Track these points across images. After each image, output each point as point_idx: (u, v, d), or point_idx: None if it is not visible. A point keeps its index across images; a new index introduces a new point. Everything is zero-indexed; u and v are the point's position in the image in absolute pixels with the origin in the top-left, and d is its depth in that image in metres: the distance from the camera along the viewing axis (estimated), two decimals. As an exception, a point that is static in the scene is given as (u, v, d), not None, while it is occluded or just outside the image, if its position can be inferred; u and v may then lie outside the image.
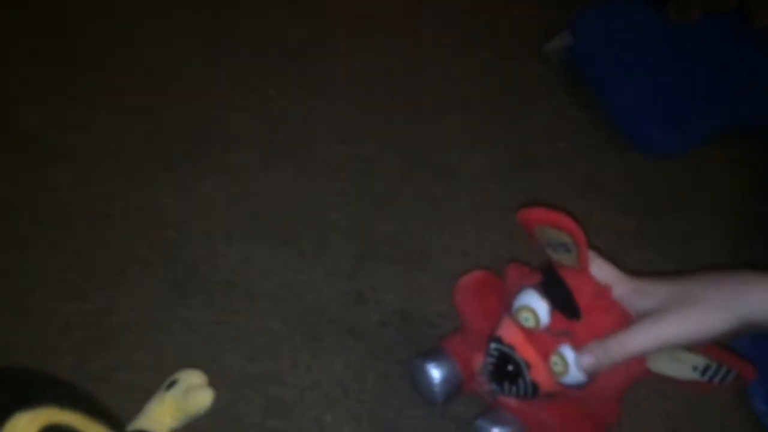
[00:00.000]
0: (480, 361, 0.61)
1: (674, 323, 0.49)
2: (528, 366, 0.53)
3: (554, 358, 0.52)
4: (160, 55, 0.95)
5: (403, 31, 1.08)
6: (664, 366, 0.53)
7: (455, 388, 0.63)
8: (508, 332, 0.54)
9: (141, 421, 0.56)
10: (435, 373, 0.62)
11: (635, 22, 1.03)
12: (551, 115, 1.00)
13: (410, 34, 1.08)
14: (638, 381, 0.54)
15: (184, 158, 0.83)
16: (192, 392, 0.57)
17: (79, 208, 0.75)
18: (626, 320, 0.52)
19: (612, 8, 1.05)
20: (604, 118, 0.98)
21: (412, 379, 0.65)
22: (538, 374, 0.53)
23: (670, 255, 0.83)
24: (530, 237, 0.55)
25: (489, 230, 0.82)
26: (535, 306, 0.53)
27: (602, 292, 0.53)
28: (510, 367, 0.53)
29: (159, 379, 0.60)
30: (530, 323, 0.53)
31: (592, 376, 0.52)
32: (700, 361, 0.51)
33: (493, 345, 0.55)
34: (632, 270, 0.55)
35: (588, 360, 0.51)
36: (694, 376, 0.52)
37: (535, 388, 0.53)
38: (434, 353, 0.63)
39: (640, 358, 0.52)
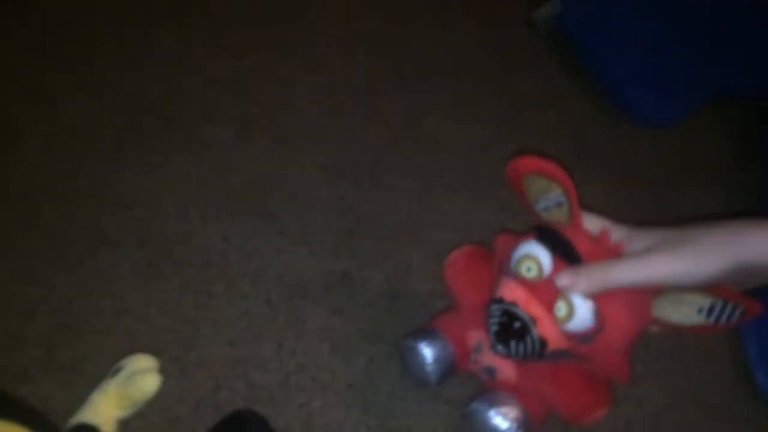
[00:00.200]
0: (474, 339, 0.58)
1: (664, 260, 0.48)
2: (534, 321, 0.50)
3: (559, 304, 0.50)
4: (128, 26, 0.90)
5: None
6: (668, 310, 0.51)
7: (449, 368, 0.60)
8: (509, 290, 0.52)
9: (83, 414, 0.52)
10: (427, 353, 0.59)
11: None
12: (540, 85, 0.97)
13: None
14: (645, 330, 0.52)
15: (154, 133, 0.78)
16: (136, 377, 0.53)
17: (43, 186, 0.70)
18: None
19: (601, -26, 1.01)
20: (594, 87, 0.96)
21: (403, 360, 0.61)
22: (544, 328, 0.50)
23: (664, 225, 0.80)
24: (519, 194, 0.54)
25: (480, 203, 0.79)
26: (537, 253, 0.51)
27: (598, 239, 0.52)
28: (516, 324, 0.51)
29: (133, 368, 0.56)
30: (533, 273, 0.51)
31: (598, 318, 0.50)
32: (704, 301, 0.49)
33: (494, 306, 0.52)
34: (625, 220, 0.53)
35: (565, 279, 0.49)
36: (700, 318, 0.49)
37: (543, 344, 0.51)
38: (426, 333, 0.60)
39: (646, 304, 0.50)
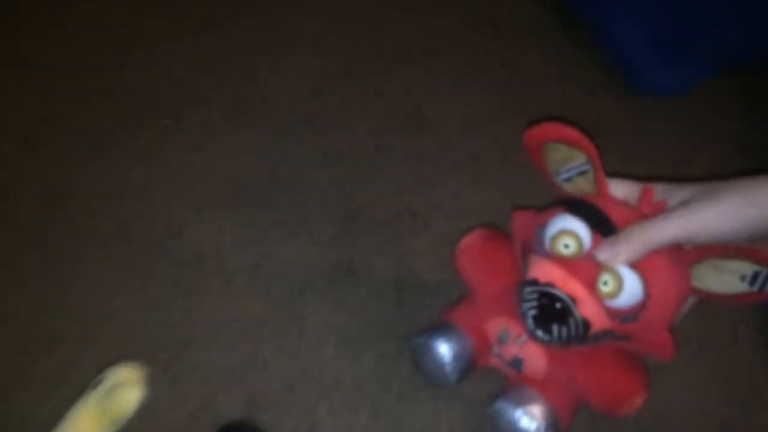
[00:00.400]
0: (497, 329, 0.54)
1: (706, 208, 0.45)
2: (575, 301, 0.46)
3: (604, 278, 0.46)
4: (111, 9, 0.85)
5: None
6: (709, 280, 0.47)
7: (469, 365, 0.56)
8: (543, 270, 0.47)
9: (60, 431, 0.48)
10: (445, 350, 0.55)
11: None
12: (545, 58, 0.92)
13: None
14: (685, 301, 0.49)
15: (141, 121, 0.74)
16: (117, 391, 0.48)
17: (19, 181, 0.66)
18: None
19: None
20: (602, 59, 0.91)
21: (416, 360, 0.57)
22: (587, 308, 0.46)
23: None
24: (538, 165, 0.50)
25: (487, 185, 0.75)
26: (574, 227, 0.47)
27: (641, 198, 0.48)
28: (558, 305, 0.46)
29: (122, 377, 0.51)
30: (572, 249, 0.47)
31: (646, 291, 0.46)
32: (747, 267, 0.45)
33: (527, 290, 0.48)
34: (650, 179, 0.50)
35: (606, 252, 0.46)
36: (743, 287, 0.46)
37: (587, 326, 0.47)
38: (440, 328, 0.56)
39: (686, 274, 0.47)
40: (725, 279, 0.46)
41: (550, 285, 0.46)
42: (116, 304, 0.59)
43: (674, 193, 0.47)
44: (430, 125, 0.80)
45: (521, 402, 0.51)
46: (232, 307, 0.61)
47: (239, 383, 0.56)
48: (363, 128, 0.78)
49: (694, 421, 0.59)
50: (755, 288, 0.46)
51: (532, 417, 0.50)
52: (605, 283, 0.46)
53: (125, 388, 0.48)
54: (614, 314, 0.47)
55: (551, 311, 0.47)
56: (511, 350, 0.54)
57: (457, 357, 0.55)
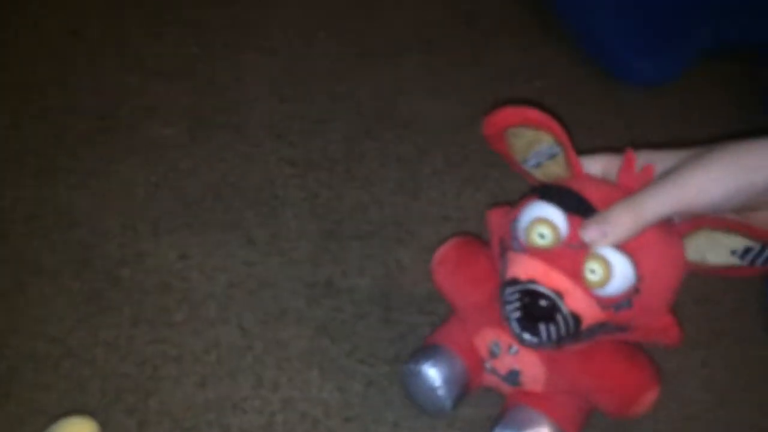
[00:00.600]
0: (487, 341, 0.49)
1: (696, 177, 0.40)
2: (561, 296, 0.41)
3: (590, 266, 0.41)
4: (53, 15, 0.78)
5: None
6: (701, 251, 0.43)
7: (463, 387, 0.51)
8: (522, 266, 0.43)
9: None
10: (434, 374, 0.50)
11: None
12: (521, 53, 0.88)
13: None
14: (681, 278, 0.45)
15: (90, 138, 0.67)
16: None
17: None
18: None
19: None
20: (581, 52, 0.87)
21: (406, 389, 0.52)
22: (575, 300, 0.42)
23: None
24: (504, 155, 0.46)
25: (471, 189, 0.70)
26: (549, 215, 0.42)
27: (622, 168, 0.44)
28: (543, 302, 0.42)
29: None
30: (548, 239, 0.42)
31: (638, 273, 0.41)
32: (739, 242, 0.42)
33: (508, 290, 0.43)
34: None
35: (592, 231, 0.41)
36: (733, 260, 0.43)
37: (577, 320, 0.42)
38: (427, 351, 0.51)
39: (681, 248, 0.43)
40: (717, 251, 0.43)
41: (532, 281, 0.42)
42: (70, 342, 0.53)
43: (658, 160, 0.43)
44: (407, 128, 0.75)
45: (523, 426, 0.47)
46: (203, 338, 0.55)
47: (215, 423, 0.50)
48: (335, 135, 0.73)
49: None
50: (745, 262, 0.42)
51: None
52: (592, 272, 0.41)
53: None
54: (606, 303, 0.42)
55: (535, 310, 0.42)
56: (506, 362, 0.49)
57: (448, 380, 0.50)
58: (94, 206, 0.62)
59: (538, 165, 0.45)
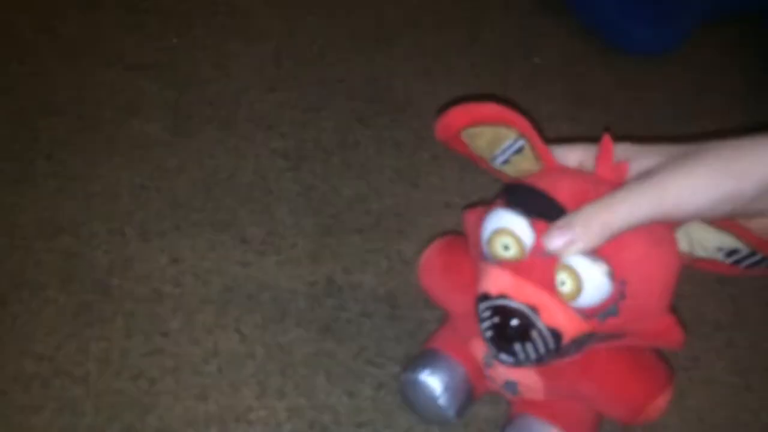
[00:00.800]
0: (480, 351, 0.46)
1: (678, 182, 0.35)
2: (535, 310, 0.38)
3: (560, 277, 0.37)
4: (24, 11, 0.74)
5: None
6: (692, 243, 0.40)
7: (466, 394, 0.48)
8: (492, 280, 0.39)
9: None
10: (434, 383, 0.47)
11: None
12: (517, 29, 0.84)
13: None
14: (677, 274, 0.41)
15: (70, 140, 0.64)
16: None
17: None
18: None
19: None
20: (580, 22, 0.84)
21: (407, 401, 0.49)
22: (551, 315, 0.38)
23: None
24: (468, 157, 0.42)
25: (473, 173, 0.67)
26: (510, 224, 0.38)
27: (581, 171, 0.40)
28: (514, 321, 0.38)
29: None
30: (512, 251, 0.38)
31: (616, 279, 0.37)
32: (728, 241, 0.39)
33: (481, 306, 0.40)
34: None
35: (556, 239, 0.36)
36: (718, 255, 0.40)
37: (556, 336, 0.38)
38: (425, 358, 0.48)
39: (671, 238, 0.39)
40: (704, 244, 0.40)
41: (503, 296, 0.38)
42: (60, 359, 0.50)
43: (637, 156, 0.38)
44: (402, 112, 0.72)
45: None
46: (200, 347, 0.52)
47: (219, 441, 0.47)
48: (327, 123, 0.69)
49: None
50: (728, 261, 0.39)
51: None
52: (563, 283, 0.37)
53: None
54: (588, 313, 0.38)
55: (508, 329, 0.38)
56: (500, 373, 0.45)
57: (449, 388, 0.47)
58: (78, 212, 0.59)
59: (507, 162, 0.41)
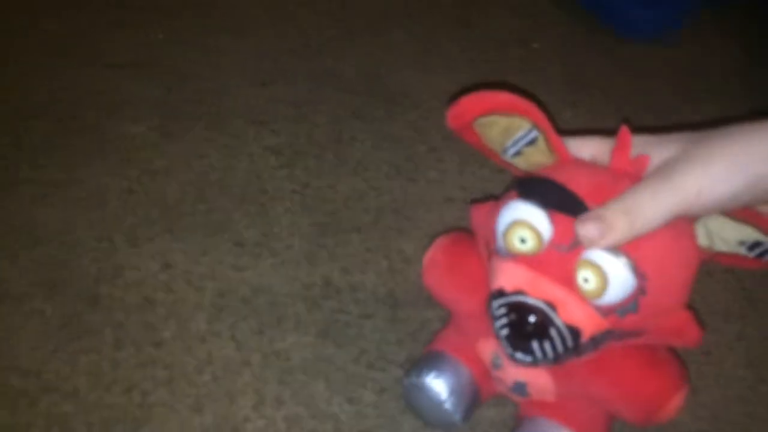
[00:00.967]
0: (488, 352, 0.44)
1: (697, 173, 0.34)
2: (553, 307, 0.36)
3: (583, 274, 0.36)
4: (2, 10, 0.72)
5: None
6: (711, 237, 0.38)
7: (472, 397, 0.46)
8: (507, 276, 0.38)
9: None
10: (439, 386, 0.45)
11: None
12: (514, 14, 0.83)
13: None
14: (695, 269, 0.39)
15: (53, 144, 0.62)
16: None
17: None
18: None
19: None
20: (577, 5, 0.82)
21: (411, 405, 0.47)
22: (570, 312, 0.36)
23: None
24: (479, 148, 0.40)
25: (473, 164, 0.65)
26: (528, 216, 0.37)
27: (596, 165, 0.39)
28: (531, 318, 0.36)
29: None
30: (530, 244, 0.37)
31: (638, 274, 0.36)
32: (750, 234, 0.37)
33: (495, 304, 0.38)
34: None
35: (592, 228, 0.35)
36: (740, 249, 0.38)
37: (575, 333, 0.37)
38: (429, 361, 0.46)
39: (691, 235, 0.38)
40: (725, 238, 0.38)
41: (519, 292, 0.37)
42: (48, 374, 0.47)
43: (654, 148, 0.37)
44: (398, 104, 0.69)
45: None
46: (194, 356, 0.50)
47: (215, 457, 0.45)
48: (321, 118, 0.67)
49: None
50: (752, 255, 0.38)
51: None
52: (586, 280, 0.36)
53: None
54: (607, 310, 0.37)
55: (525, 326, 0.37)
56: (510, 374, 0.43)
57: (455, 391, 0.45)
58: (63, 219, 0.56)
59: (518, 153, 0.39)
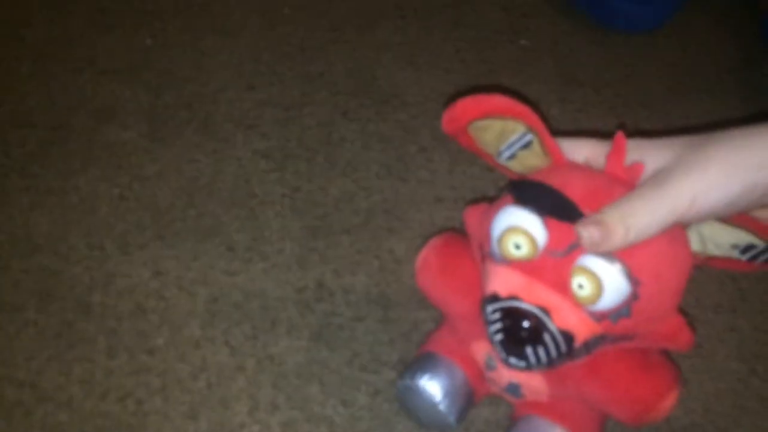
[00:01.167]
0: (481, 354, 0.45)
1: (692, 180, 0.34)
2: (547, 312, 0.36)
3: (577, 280, 0.36)
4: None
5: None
6: (704, 241, 0.39)
7: (467, 398, 0.46)
8: (502, 282, 0.38)
9: None
10: (433, 388, 0.45)
11: None
12: (502, 10, 0.82)
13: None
14: (688, 273, 0.39)
15: (43, 152, 0.61)
16: None
17: None
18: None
19: None
20: (561, 3, 0.81)
21: (405, 407, 0.48)
22: (564, 317, 0.37)
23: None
24: (473, 150, 0.41)
25: (463, 164, 0.65)
26: (523, 222, 0.37)
27: (591, 169, 0.39)
28: (525, 324, 0.37)
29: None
30: (524, 250, 0.37)
31: (632, 280, 0.36)
32: (743, 238, 0.38)
33: (489, 308, 0.38)
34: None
35: (594, 231, 0.35)
36: (733, 253, 0.39)
37: (569, 339, 0.37)
38: (422, 363, 0.46)
39: (684, 239, 0.38)
40: (718, 242, 0.38)
41: (513, 298, 0.37)
42: (42, 384, 0.48)
43: (649, 153, 0.37)
44: (387, 104, 0.69)
45: None
46: (188, 363, 0.50)
47: (210, 464, 0.45)
48: (310, 120, 0.67)
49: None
50: (745, 258, 0.38)
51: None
52: (580, 287, 0.36)
53: None
54: (601, 315, 0.37)
55: (519, 332, 0.37)
56: (503, 376, 0.44)
57: (449, 393, 0.45)
58: (54, 227, 0.56)
59: (513, 157, 0.40)
